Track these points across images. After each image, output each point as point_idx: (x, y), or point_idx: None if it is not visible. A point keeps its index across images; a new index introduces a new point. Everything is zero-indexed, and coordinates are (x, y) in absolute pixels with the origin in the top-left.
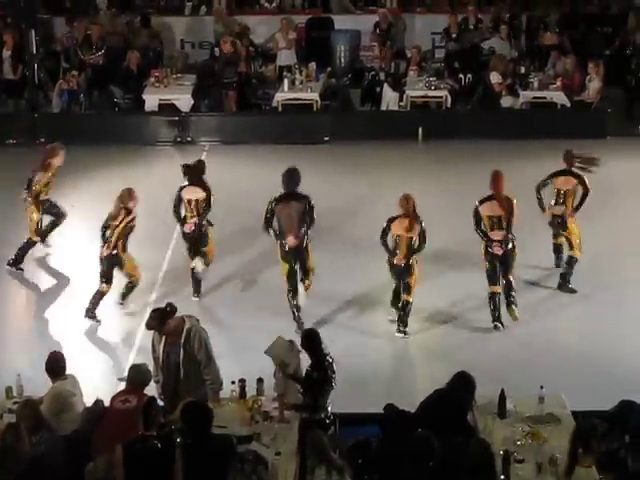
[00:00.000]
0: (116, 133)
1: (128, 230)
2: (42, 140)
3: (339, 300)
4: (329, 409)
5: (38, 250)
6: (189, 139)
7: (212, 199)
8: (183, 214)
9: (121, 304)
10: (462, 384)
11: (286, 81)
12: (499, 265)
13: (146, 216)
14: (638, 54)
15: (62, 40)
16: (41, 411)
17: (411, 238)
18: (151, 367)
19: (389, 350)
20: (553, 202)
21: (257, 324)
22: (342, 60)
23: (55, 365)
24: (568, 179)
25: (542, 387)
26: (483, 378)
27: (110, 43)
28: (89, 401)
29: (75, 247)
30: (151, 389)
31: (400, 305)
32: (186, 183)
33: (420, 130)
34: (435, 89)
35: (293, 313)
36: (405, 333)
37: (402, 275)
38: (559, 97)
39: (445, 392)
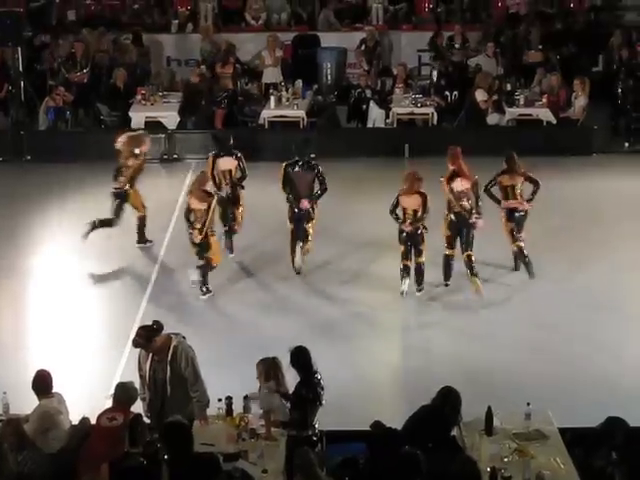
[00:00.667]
0: (103, 150)
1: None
2: (28, 158)
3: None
4: (316, 426)
5: (20, 265)
6: (175, 156)
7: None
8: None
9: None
10: (448, 400)
11: (272, 98)
12: (464, 232)
13: (132, 233)
14: (624, 71)
15: (48, 57)
16: (24, 429)
17: (415, 210)
18: (137, 385)
19: (376, 367)
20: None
21: (246, 341)
22: (328, 77)
23: (41, 383)
24: (513, 177)
25: (529, 404)
26: (469, 395)
27: (97, 60)
28: (75, 419)
29: (61, 262)
30: (138, 407)
31: (415, 268)
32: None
33: (406, 147)
34: (421, 106)
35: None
36: (422, 289)
37: (413, 240)
38: (545, 114)
39: (431, 408)
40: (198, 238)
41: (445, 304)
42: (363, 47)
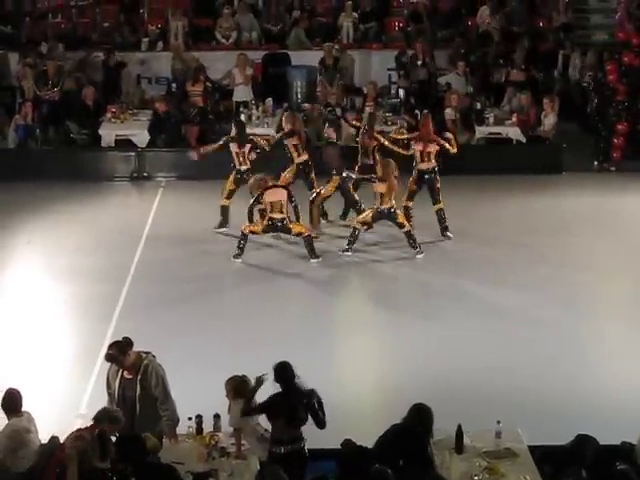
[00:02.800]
0: (72, 169)
1: None
2: None
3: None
4: (301, 444)
5: None
6: (145, 175)
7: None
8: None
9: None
10: (419, 417)
11: (243, 117)
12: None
13: (102, 251)
14: (595, 90)
15: (17, 75)
16: None
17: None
18: (106, 403)
19: (345, 384)
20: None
21: (217, 360)
22: (299, 95)
23: (11, 402)
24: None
25: (499, 422)
26: (439, 413)
27: (69, 79)
28: (45, 438)
29: (29, 281)
30: None
31: (437, 212)
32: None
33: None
34: (391, 124)
35: None
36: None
37: (429, 181)
38: (515, 132)
39: (402, 426)
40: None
41: (419, 315)
42: (322, 65)
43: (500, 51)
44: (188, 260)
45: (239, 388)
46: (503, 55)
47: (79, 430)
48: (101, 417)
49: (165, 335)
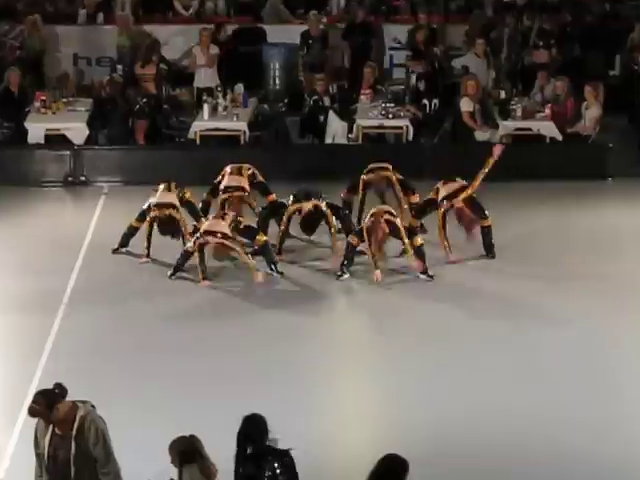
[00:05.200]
0: None
1: None
2: None
3: None
4: None
5: None
6: (83, 179)
7: None
8: None
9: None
10: (392, 469)
11: (206, 107)
12: None
13: (29, 273)
14: None
15: None
16: None
17: None
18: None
19: (338, 443)
20: None
21: (175, 410)
22: (277, 81)
23: None
24: None
25: None
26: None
27: None
28: None
29: None
30: None
31: None
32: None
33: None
34: (393, 118)
35: None
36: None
37: None
38: (548, 128)
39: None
40: None
41: (426, 358)
42: (306, 42)
43: (529, 26)
44: (137, 284)
45: (188, 452)
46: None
47: None
48: None
49: (108, 379)
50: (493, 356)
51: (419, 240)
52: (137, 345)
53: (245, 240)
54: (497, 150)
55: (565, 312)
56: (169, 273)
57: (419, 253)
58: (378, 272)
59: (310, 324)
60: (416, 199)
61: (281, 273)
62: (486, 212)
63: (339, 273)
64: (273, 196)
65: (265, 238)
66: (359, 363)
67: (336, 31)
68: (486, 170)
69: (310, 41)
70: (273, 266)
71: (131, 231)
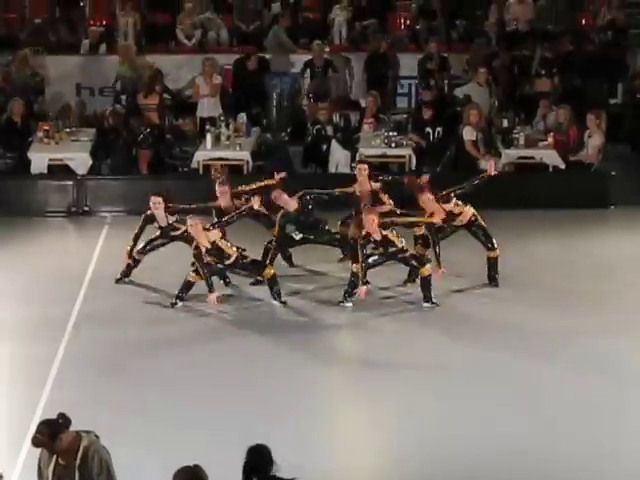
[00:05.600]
0: None
1: None
2: None
3: None
4: None
5: None
6: (86, 209)
7: None
8: None
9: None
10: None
11: (209, 137)
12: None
13: (33, 303)
14: None
15: None
16: None
17: None
18: None
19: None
20: None
21: (179, 440)
22: (279, 110)
23: None
24: None
25: None
26: None
27: None
28: None
29: None
30: None
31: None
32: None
33: None
34: (396, 147)
35: None
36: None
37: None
38: (551, 157)
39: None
40: None
41: (426, 392)
42: (309, 71)
43: (531, 55)
44: (141, 314)
45: None
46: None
47: None
48: None
49: (111, 408)
50: (495, 386)
51: (425, 271)
52: (140, 374)
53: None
54: (491, 167)
55: (568, 341)
56: (171, 302)
57: (425, 283)
58: (364, 289)
59: (311, 352)
60: (420, 231)
61: (284, 303)
62: (494, 243)
63: (340, 300)
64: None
65: (272, 271)
66: (361, 393)
67: (340, 60)
68: (475, 182)
69: (314, 70)
70: (277, 297)
71: (134, 262)
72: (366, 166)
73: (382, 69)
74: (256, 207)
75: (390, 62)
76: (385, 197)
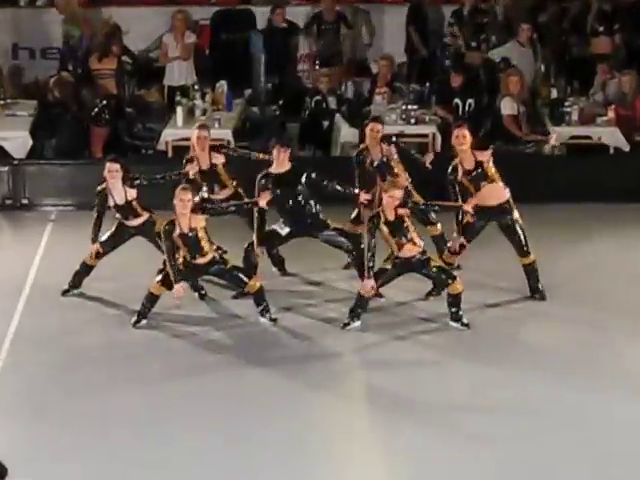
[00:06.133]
0: None
1: None
2: None
3: None
4: None
5: None
6: (25, 202)
7: None
8: None
9: None
10: None
11: (180, 111)
12: None
13: None
14: None
15: None
16: None
17: None
18: None
19: None
20: None
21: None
22: (269, 77)
23: None
24: None
25: None
26: None
27: None
28: None
29: None
30: None
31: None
32: None
33: None
34: (416, 123)
35: None
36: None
37: None
38: (612, 136)
39: None
40: None
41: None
42: (316, 27)
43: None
44: (94, 335)
45: None
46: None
47: None
48: None
49: (54, 456)
50: (546, 432)
51: (458, 286)
52: (89, 408)
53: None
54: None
55: (629, 372)
56: (133, 320)
57: (454, 301)
58: (369, 282)
59: (308, 386)
60: (437, 230)
61: (274, 320)
62: (528, 246)
63: (346, 322)
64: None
65: (259, 284)
66: (371, 438)
67: (358, 13)
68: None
69: (322, 25)
70: (266, 313)
71: (85, 269)
72: (380, 126)
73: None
74: (262, 204)
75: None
76: (400, 168)
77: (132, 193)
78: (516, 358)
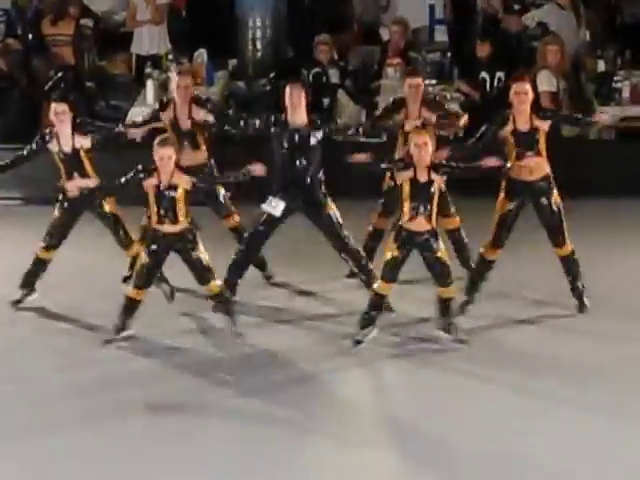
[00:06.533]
0: None
1: None
2: None
3: None
4: None
5: None
6: None
7: None
8: None
9: None
10: None
11: (150, 84)
12: None
13: None
14: None
15: None
16: None
17: None
18: None
19: None
20: None
21: None
22: (258, 45)
23: None
24: None
25: None
26: None
27: None
28: None
29: None
30: None
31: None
32: None
33: None
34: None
35: None
36: None
37: None
38: None
39: None
40: None
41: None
42: None
43: None
44: (55, 358)
45: None
46: None
47: None
48: None
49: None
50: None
51: (452, 291)
52: (51, 453)
53: None
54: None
55: None
56: (107, 337)
57: (444, 307)
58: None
59: (305, 414)
60: (456, 223)
61: (239, 334)
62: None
63: (358, 338)
64: (236, 218)
65: (219, 285)
66: (371, 463)
67: None
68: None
69: None
70: (233, 325)
71: (38, 266)
72: (420, 80)
73: None
74: (258, 173)
75: None
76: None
77: (84, 142)
78: (549, 386)
